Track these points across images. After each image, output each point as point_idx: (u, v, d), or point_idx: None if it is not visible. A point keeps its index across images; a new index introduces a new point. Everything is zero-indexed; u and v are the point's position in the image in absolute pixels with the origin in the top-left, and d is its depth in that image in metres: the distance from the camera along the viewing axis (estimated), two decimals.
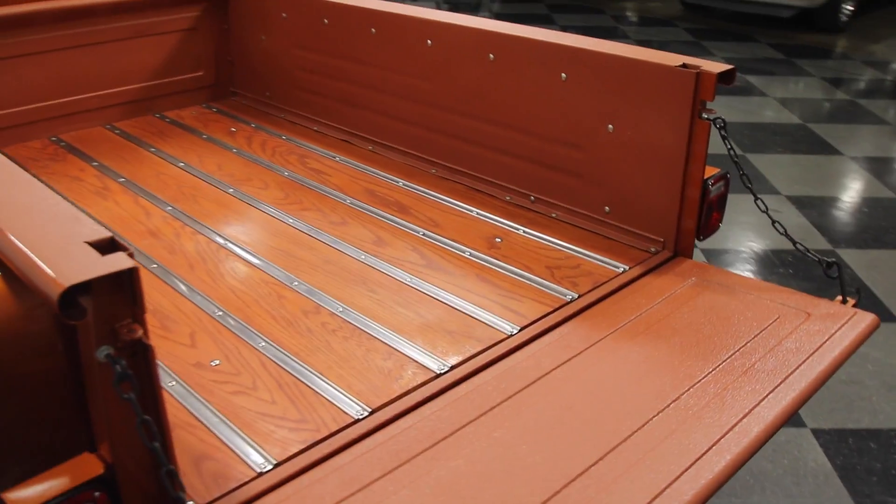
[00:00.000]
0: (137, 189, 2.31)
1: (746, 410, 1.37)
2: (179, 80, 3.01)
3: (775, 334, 1.59)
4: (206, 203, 2.23)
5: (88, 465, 1.04)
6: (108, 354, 0.95)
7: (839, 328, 1.60)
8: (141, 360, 0.99)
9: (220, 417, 1.38)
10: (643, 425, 1.34)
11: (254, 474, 1.25)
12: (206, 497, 1.21)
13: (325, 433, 1.34)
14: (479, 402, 1.41)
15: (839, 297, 1.75)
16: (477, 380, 1.48)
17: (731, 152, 1.83)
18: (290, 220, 2.11)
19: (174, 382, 1.48)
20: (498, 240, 2.01)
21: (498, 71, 2.17)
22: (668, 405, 1.39)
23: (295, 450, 1.30)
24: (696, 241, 1.99)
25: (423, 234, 2.04)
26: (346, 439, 1.33)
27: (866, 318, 1.64)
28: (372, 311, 1.70)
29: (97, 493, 1.02)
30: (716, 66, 1.77)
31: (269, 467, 1.27)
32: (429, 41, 2.33)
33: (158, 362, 1.48)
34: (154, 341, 1.58)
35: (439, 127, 2.39)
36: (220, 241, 2.00)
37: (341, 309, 1.71)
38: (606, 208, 2.03)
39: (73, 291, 0.89)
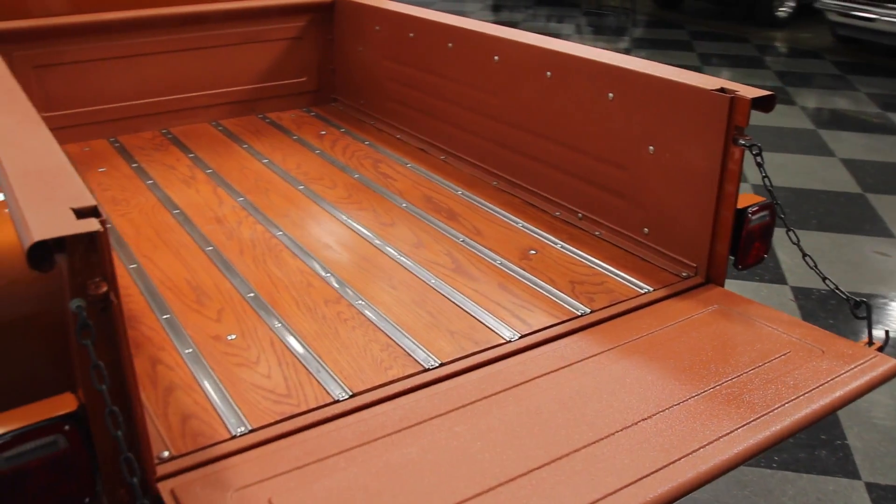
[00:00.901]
0: (219, 180, 2.52)
1: (711, 438, 1.34)
2: (283, 84, 3.23)
3: (779, 368, 1.55)
4: (274, 197, 2.40)
5: (64, 402, 1.18)
6: (79, 306, 1.09)
7: (850, 369, 1.53)
8: (107, 314, 1.12)
9: (218, 385, 1.51)
10: (602, 439, 1.35)
11: (228, 436, 1.37)
12: (181, 449, 1.33)
13: (304, 409, 1.44)
14: (454, 398, 1.47)
15: (865, 339, 1.67)
16: (461, 379, 1.54)
17: (766, 180, 1.79)
18: (343, 218, 2.24)
19: (190, 350, 1.62)
20: (532, 252, 2.05)
21: (554, 88, 2.21)
22: (636, 423, 1.39)
23: (271, 420, 1.41)
24: (738, 271, 1.95)
25: (463, 241, 2.11)
26: (321, 417, 1.42)
27: (885, 363, 1.56)
28: (387, 305, 1.79)
29: (67, 427, 1.17)
30: (752, 92, 1.74)
31: (244, 432, 1.38)
32: (496, 57, 2.40)
33: (184, 331, 1.64)
34: (186, 313, 1.75)
35: (503, 141, 2.45)
36: (274, 231, 2.16)
37: (361, 302, 1.81)
38: (645, 230, 2.03)
39: (44, 246, 1.03)
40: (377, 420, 1.41)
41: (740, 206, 1.87)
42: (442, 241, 2.11)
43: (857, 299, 1.71)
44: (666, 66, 1.97)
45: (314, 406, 1.45)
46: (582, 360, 1.58)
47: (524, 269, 1.96)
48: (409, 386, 1.51)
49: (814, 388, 1.47)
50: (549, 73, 2.22)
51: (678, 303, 1.81)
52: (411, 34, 2.79)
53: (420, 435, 1.36)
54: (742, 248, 1.91)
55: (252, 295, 1.84)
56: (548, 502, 1.20)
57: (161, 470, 1.30)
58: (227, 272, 1.94)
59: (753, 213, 1.87)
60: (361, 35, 3.08)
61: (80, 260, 1.08)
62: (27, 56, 2.70)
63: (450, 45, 2.59)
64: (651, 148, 1.96)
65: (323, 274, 1.93)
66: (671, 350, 1.61)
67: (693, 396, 1.46)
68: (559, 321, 1.73)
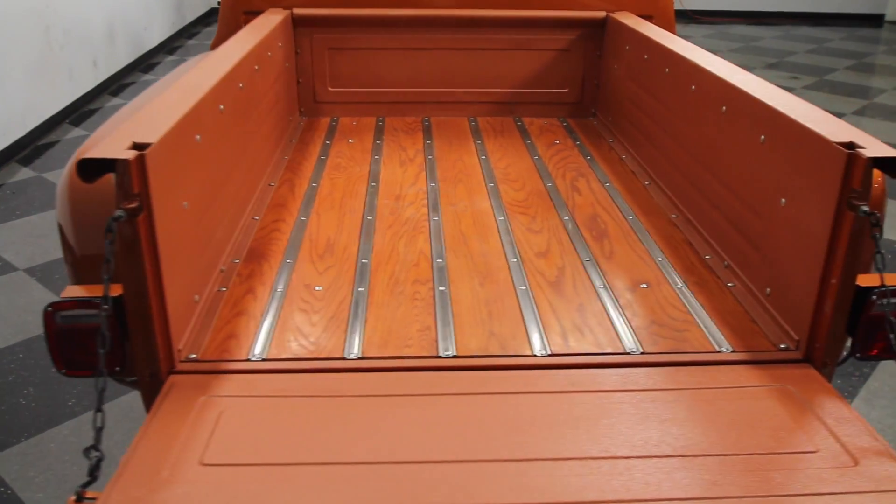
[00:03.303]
0: (430, 166, 2.78)
1: (623, 498, 1.24)
2: (545, 92, 3.39)
3: (787, 462, 1.33)
4: (461, 188, 2.59)
5: (112, 288, 1.53)
6: (119, 215, 1.42)
7: (868, 491, 1.26)
8: (134, 226, 1.43)
9: (273, 319, 1.77)
10: (533, 460, 1.32)
11: (244, 358, 1.62)
12: (206, 356, 1.62)
13: (313, 356, 1.63)
14: (419, 387, 1.53)
15: None
16: (454, 374, 1.59)
17: (878, 257, 1.51)
18: (501, 219, 2.35)
19: (281, 289, 1.91)
20: (644, 286, 1.96)
21: (724, 123, 2.06)
22: (567, 459, 1.33)
23: (283, 356, 1.63)
24: (854, 358, 1.67)
25: (588, 260, 2.09)
26: (320, 366, 1.60)
27: None
28: (462, 296, 1.89)
29: (106, 306, 1.52)
30: (880, 150, 1.48)
31: (256, 359, 1.62)
32: (693, 86, 2.30)
33: (290, 275, 1.92)
34: (305, 262, 2.05)
35: (688, 173, 2.34)
36: (433, 216, 2.36)
37: (442, 289, 1.93)
38: (768, 290, 1.82)
39: (92, 163, 1.38)
40: (350, 381, 1.55)
41: (875, 284, 1.60)
42: (567, 256, 2.12)
43: None
44: (818, 109, 1.74)
45: (323, 356, 1.64)
46: (572, 392, 1.53)
47: (616, 297, 1.90)
48: (409, 365, 1.61)
49: (793, 495, 1.26)
50: (724, 108, 2.07)
51: (745, 371, 1.62)
52: (645, 56, 2.76)
53: (352, 406, 1.47)
54: (861, 332, 1.63)
55: (365, 261, 2.07)
56: (451, 489, 1.25)
57: (181, 366, 1.60)
58: (363, 239, 2.20)
59: (881, 294, 1.58)
60: (618, 53, 3.10)
61: (123, 180, 1.41)
62: (324, 38, 3.24)
63: (667, 69, 2.52)
64: (783, 200, 1.75)
65: (436, 259, 2.08)
66: (685, 409, 1.48)
67: (660, 456, 1.34)
68: (598, 352, 1.67)
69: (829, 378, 1.65)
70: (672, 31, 3.31)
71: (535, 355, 1.66)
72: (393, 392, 1.52)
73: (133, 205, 1.43)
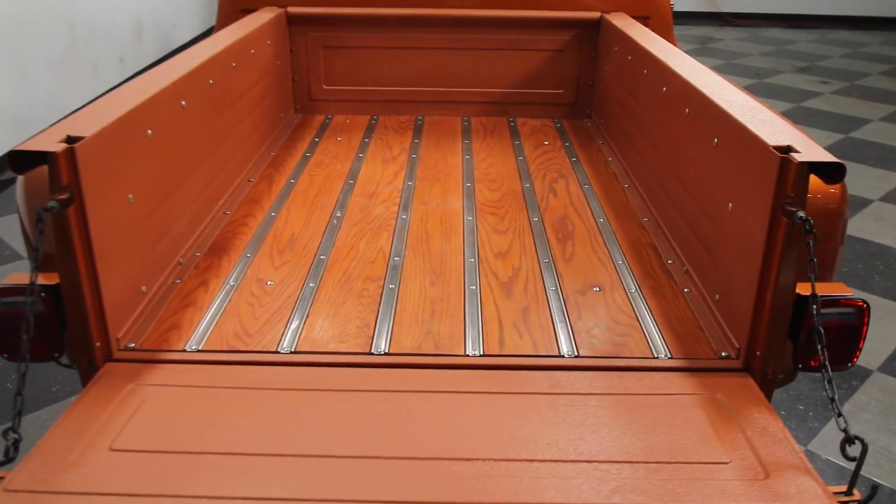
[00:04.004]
0: (412, 165, 2.79)
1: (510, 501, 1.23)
2: (540, 93, 3.37)
3: (694, 472, 1.31)
4: (437, 187, 2.59)
5: (51, 277, 1.57)
6: (50, 206, 1.46)
7: None
8: (63, 217, 1.47)
9: (218, 312, 1.80)
10: (409, 459, 1.33)
11: (180, 349, 1.65)
12: (145, 346, 1.65)
13: (248, 349, 1.65)
14: (344, 383, 1.54)
15: (845, 486, 1.31)
16: (382, 371, 1.60)
17: (810, 265, 1.47)
18: (469, 219, 2.35)
19: (232, 283, 1.94)
20: (596, 289, 1.95)
21: (687, 125, 2.04)
22: (466, 459, 1.33)
23: (219, 348, 1.65)
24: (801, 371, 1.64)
25: (545, 262, 2.08)
26: (251, 359, 1.62)
27: None
28: (410, 294, 1.89)
29: (43, 294, 1.55)
30: (815, 155, 1.45)
31: (193, 350, 1.65)
32: (664, 88, 2.27)
33: (246, 269, 1.95)
34: (263, 257, 2.07)
35: (658, 176, 2.31)
36: (401, 214, 2.36)
37: (392, 287, 1.94)
38: (717, 296, 1.79)
39: (23, 155, 1.42)
40: (286, 376, 1.56)
41: (816, 293, 1.57)
42: (526, 257, 2.11)
43: (855, 436, 1.33)
44: (768, 111, 1.71)
45: (258, 349, 1.66)
46: (508, 394, 1.52)
47: (566, 302, 1.88)
48: (340, 361, 1.63)
49: None
50: (687, 111, 2.04)
51: (677, 378, 1.59)
52: (629, 57, 2.73)
53: (304, 399, 1.49)
54: (801, 343, 1.59)
55: (323, 258, 2.08)
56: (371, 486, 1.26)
57: (119, 354, 1.63)
58: (327, 236, 2.21)
59: (822, 305, 1.55)
60: (609, 55, 3.07)
61: (51, 171, 1.44)
62: (319, 37, 3.27)
63: (645, 71, 2.49)
64: (730, 205, 1.72)
65: (394, 258, 2.09)
66: (606, 413, 1.46)
67: (562, 460, 1.33)
68: (533, 354, 1.66)
69: (769, 388, 1.62)
70: (669, 32, 3.27)
71: (468, 356, 1.66)
72: (317, 387, 1.54)
73: (63, 196, 1.46)
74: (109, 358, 1.62)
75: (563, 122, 3.34)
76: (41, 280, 1.57)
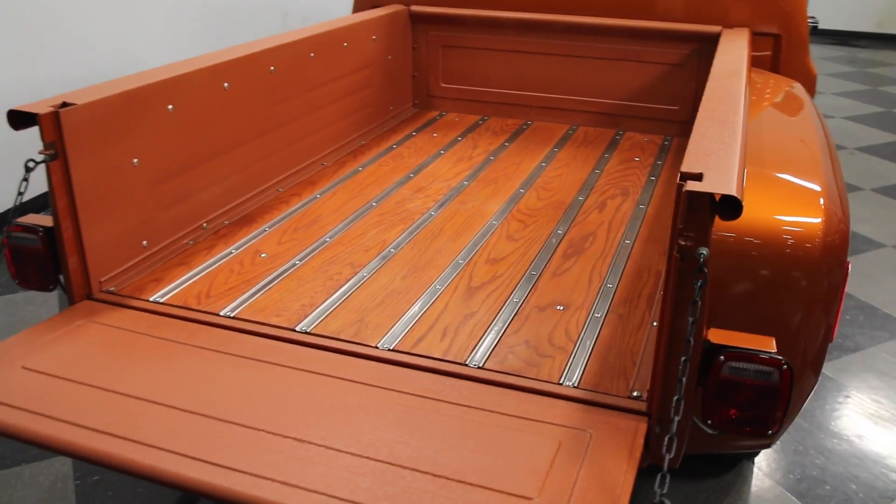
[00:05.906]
0: (481, 166, 2.82)
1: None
2: (653, 108, 3.23)
3: (490, 499, 1.27)
4: (489, 189, 2.61)
5: (45, 220, 1.85)
6: (41, 159, 1.73)
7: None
8: (51, 170, 1.73)
9: (198, 273, 1.99)
10: (256, 430, 1.41)
11: (147, 298, 1.87)
12: (123, 292, 1.89)
13: (197, 308, 1.83)
14: (253, 352, 1.65)
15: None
16: (292, 347, 1.69)
17: (693, 304, 1.33)
18: (494, 223, 2.35)
19: (233, 251, 2.13)
20: (560, 307, 1.88)
21: None
22: (304, 441, 1.39)
23: (176, 304, 1.85)
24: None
25: (531, 274, 2.04)
26: (193, 316, 1.79)
27: None
28: (376, 284, 1.96)
29: (41, 233, 1.84)
30: (720, 186, 1.30)
31: (157, 301, 1.86)
32: None
33: (254, 241, 2.14)
34: (278, 233, 2.25)
35: None
36: (435, 211, 2.42)
37: (364, 275, 2.02)
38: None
39: (18, 115, 1.70)
40: (214, 338, 1.72)
41: (724, 342, 1.43)
42: (517, 267, 2.08)
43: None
44: (730, 137, 1.55)
45: (203, 310, 1.83)
46: (388, 390, 1.55)
47: (516, 315, 1.84)
48: (263, 331, 1.75)
49: None
50: None
51: (565, 408, 1.51)
52: None
53: (214, 360, 1.63)
54: (708, 399, 1.46)
55: (327, 240, 2.21)
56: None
57: (99, 295, 1.88)
58: (346, 222, 2.34)
59: (734, 358, 1.41)
60: None
61: (40, 130, 1.72)
62: (439, 36, 3.38)
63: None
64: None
65: (390, 249, 2.16)
66: (452, 424, 1.44)
67: (376, 459, 1.35)
68: (439, 357, 1.66)
69: (669, 437, 1.49)
70: (804, 53, 2.98)
71: (377, 347, 1.70)
72: (227, 350, 1.67)
73: (49, 152, 1.72)
74: (89, 296, 1.87)
75: (674, 140, 3.17)
76: (45, 223, 1.87)
